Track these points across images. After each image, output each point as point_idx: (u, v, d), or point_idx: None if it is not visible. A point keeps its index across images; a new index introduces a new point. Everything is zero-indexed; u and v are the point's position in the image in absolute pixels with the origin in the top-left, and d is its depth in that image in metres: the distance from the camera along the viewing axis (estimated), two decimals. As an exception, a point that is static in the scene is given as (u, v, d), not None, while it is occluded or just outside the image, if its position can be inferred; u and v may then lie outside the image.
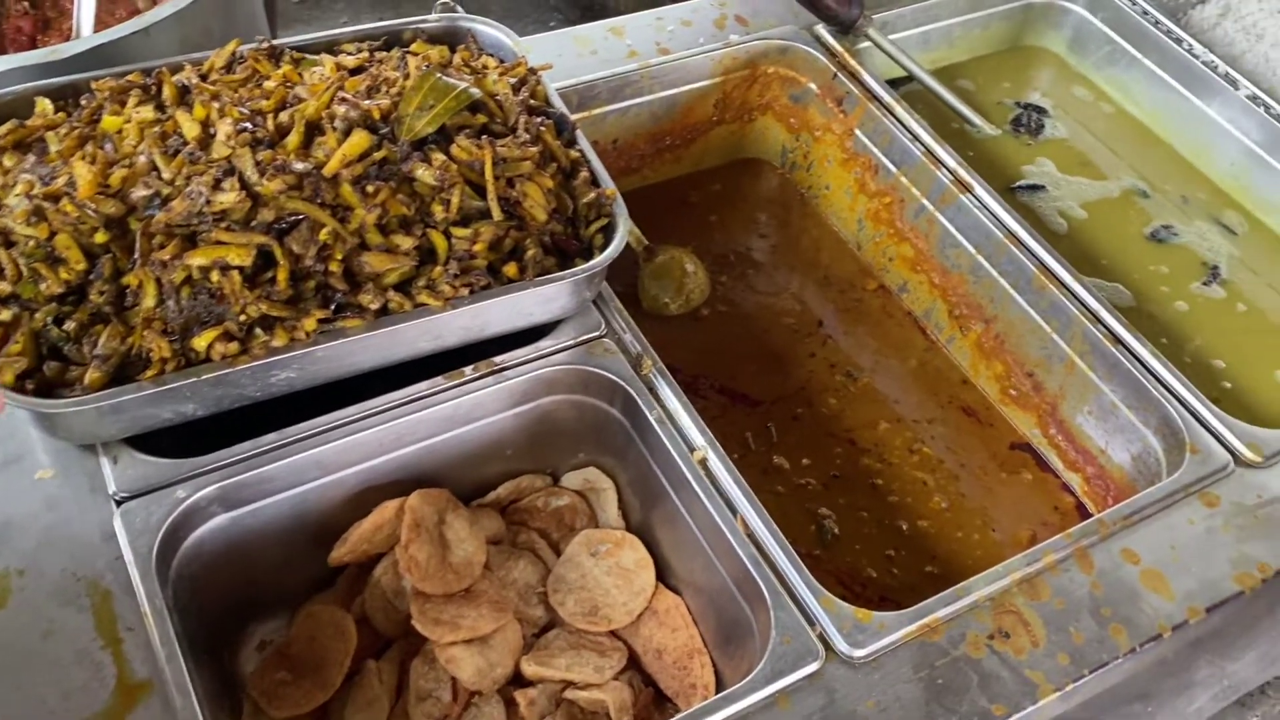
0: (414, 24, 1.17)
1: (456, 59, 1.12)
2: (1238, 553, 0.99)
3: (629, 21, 1.42)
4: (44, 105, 1.02)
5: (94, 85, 1.02)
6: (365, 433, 0.97)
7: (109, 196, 0.91)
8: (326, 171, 0.93)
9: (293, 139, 0.95)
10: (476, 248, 0.97)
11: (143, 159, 0.93)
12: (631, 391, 1.04)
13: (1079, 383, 1.19)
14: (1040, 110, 1.56)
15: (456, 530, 1.01)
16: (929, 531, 1.17)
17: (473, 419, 1.04)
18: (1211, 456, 1.06)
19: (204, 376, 0.89)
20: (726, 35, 1.43)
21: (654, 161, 1.47)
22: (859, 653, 0.89)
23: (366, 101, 0.99)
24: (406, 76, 1.03)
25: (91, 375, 0.87)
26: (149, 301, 0.89)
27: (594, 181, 1.07)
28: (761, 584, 0.92)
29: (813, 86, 1.45)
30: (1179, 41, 1.51)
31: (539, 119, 1.07)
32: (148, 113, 0.98)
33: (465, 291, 0.97)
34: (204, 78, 1.04)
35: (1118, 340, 1.15)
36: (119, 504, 0.90)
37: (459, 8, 1.20)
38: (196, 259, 0.88)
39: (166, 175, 0.92)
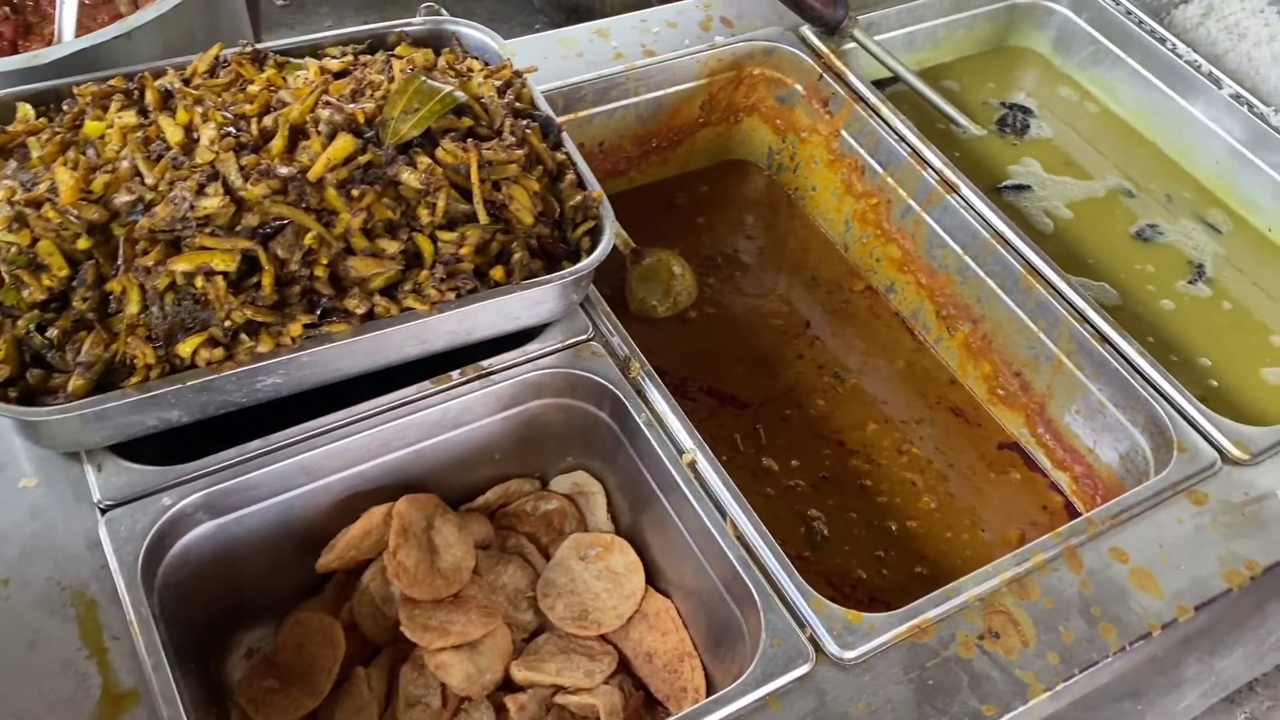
0: (398, 27, 1.16)
1: (441, 62, 1.12)
2: (1226, 550, 1.00)
3: (614, 24, 1.42)
4: (25, 111, 1.01)
5: (76, 90, 1.02)
6: (352, 438, 0.97)
7: (91, 202, 0.90)
8: (311, 176, 0.92)
9: (277, 143, 0.95)
10: (463, 251, 0.97)
11: (125, 164, 0.93)
12: (620, 394, 1.03)
13: (1066, 382, 1.19)
14: (1025, 110, 1.56)
15: (445, 535, 1.00)
16: (918, 532, 1.18)
17: (460, 423, 1.03)
18: (1199, 455, 1.06)
19: (189, 383, 0.88)
20: (712, 37, 1.43)
21: (640, 163, 1.47)
22: (849, 654, 0.88)
23: (351, 105, 0.98)
24: (391, 80, 1.03)
25: (75, 383, 0.87)
26: (133, 308, 0.88)
27: (580, 184, 1.07)
28: (751, 586, 0.92)
29: (798, 88, 1.45)
30: (1162, 41, 1.52)
31: (524, 122, 1.07)
32: (130, 118, 0.98)
33: (452, 295, 0.96)
34: (187, 82, 1.03)
35: (1105, 339, 1.16)
36: (104, 512, 0.90)
37: (443, 11, 1.20)
38: (180, 265, 0.88)
39: (150, 181, 0.91)
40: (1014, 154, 1.50)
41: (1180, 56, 1.50)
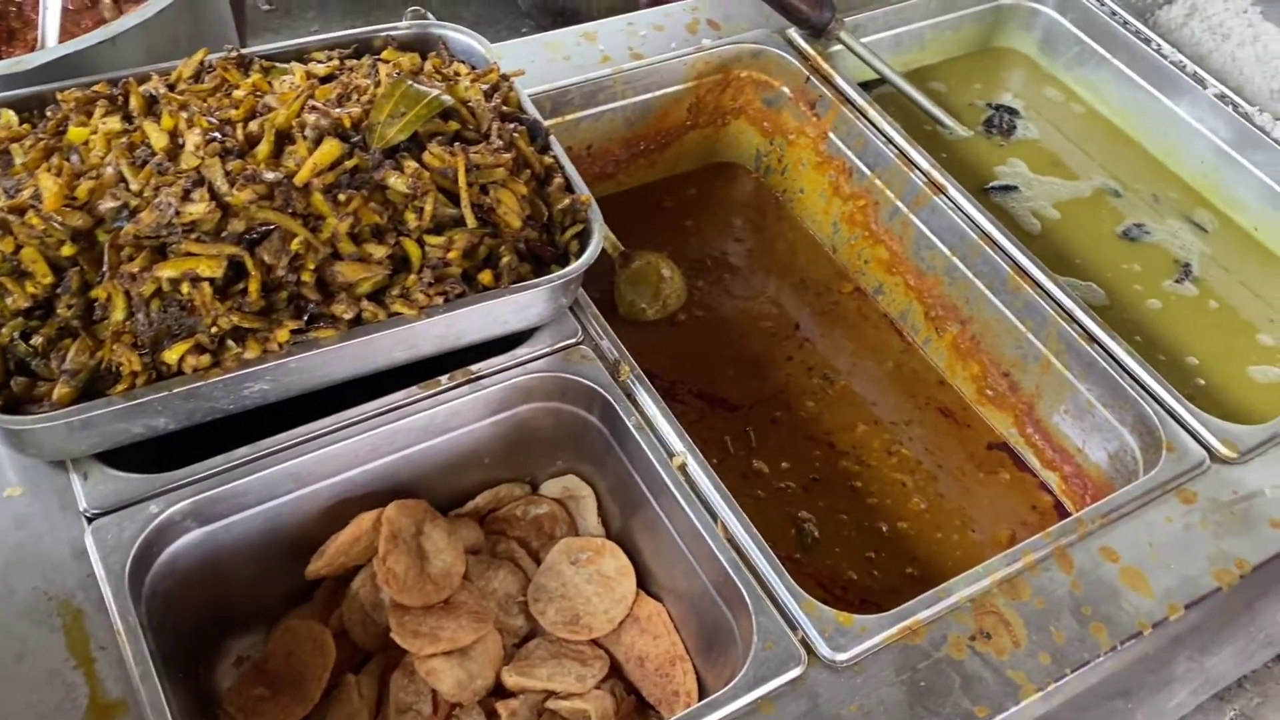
0: (385, 31, 1.16)
1: (428, 66, 1.11)
2: (1215, 549, 1.00)
3: (601, 27, 1.42)
4: (8, 117, 1.00)
5: (60, 96, 1.01)
6: (340, 444, 0.97)
7: (76, 209, 0.89)
8: (297, 180, 0.92)
9: (263, 148, 0.94)
10: (451, 255, 0.96)
11: (110, 170, 0.92)
12: (609, 398, 1.03)
13: (1055, 382, 1.20)
14: (1012, 111, 1.57)
15: (435, 541, 1.00)
16: (909, 533, 1.18)
17: (449, 428, 1.03)
18: (1188, 454, 1.07)
19: (175, 390, 0.88)
20: (699, 40, 1.43)
21: (628, 167, 1.47)
22: (841, 656, 0.88)
23: (337, 110, 0.98)
24: (377, 84, 1.03)
25: (60, 390, 0.86)
26: (118, 315, 0.88)
27: (568, 187, 1.06)
28: (743, 589, 0.92)
29: (786, 90, 1.45)
30: (1147, 41, 1.52)
31: (512, 125, 1.06)
32: (115, 123, 0.97)
33: (440, 300, 0.96)
34: (172, 87, 1.03)
35: (1092, 339, 1.16)
36: (90, 521, 0.89)
37: (430, 15, 1.20)
38: (166, 271, 0.87)
39: (134, 186, 0.91)
40: (1000, 155, 1.51)
41: (1165, 57, 1.50)
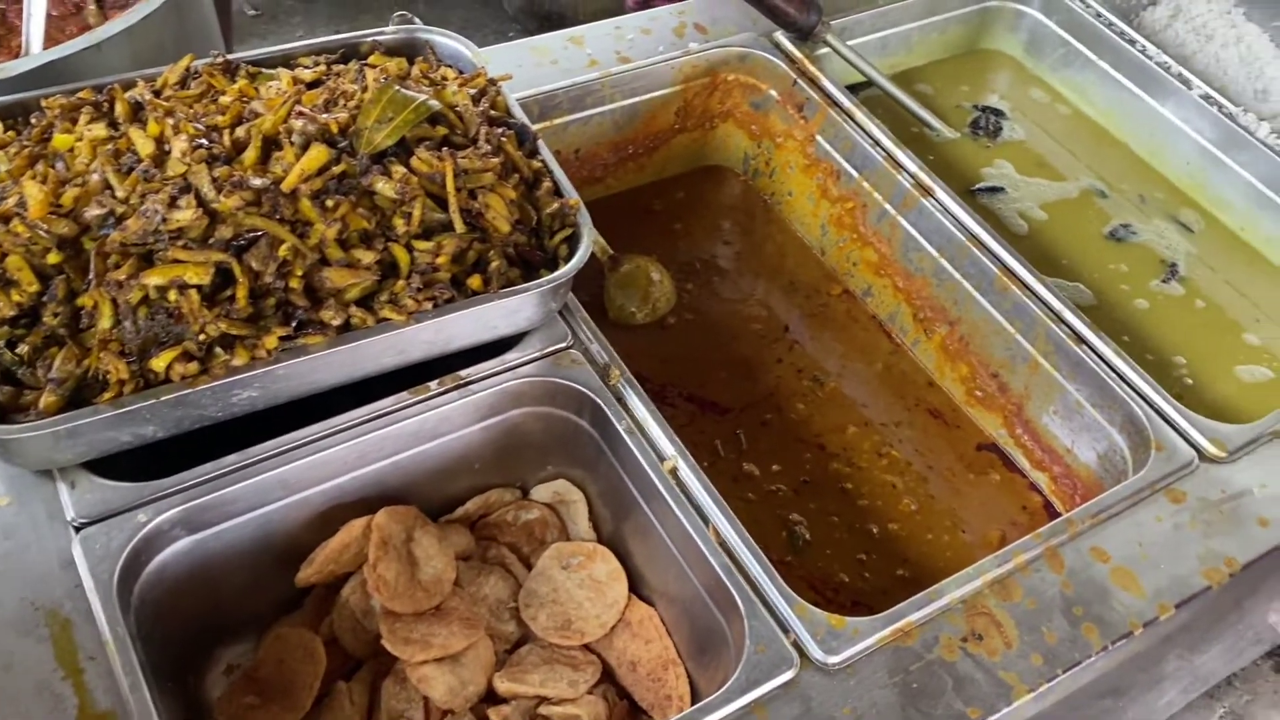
0: (372, 36, 1.16)
1: (415, 71, 1.11)
2: (1205, 548, 1.00)
3: (588, 31, 1.42)
4: (-8, 124, 1.00)
5: (44, 103, 1.00)
6: (330, 450, 0.96)
7: (61, 216, 0.89)
8: (285, 186, 0.92)
9: (250, 154, 0.94)
10: (439, 261, 0.96)
11: (95, 177, 0.92)
12: (600, 402, 1.03)
13: (1044, 383, 1.20)
14: (998, 113, 1.57)
15: (425, 547, 0.99)
16: (899, 534, 1.18)
17: (439, 434, 1.02)
18: (1176, 453, 1.07)
19: (163, 398, 0.87)
20: (686, 43, 1.43)
21: (617, 170, 1.47)
22: (834, 659, 0.88)
23: (324, 115, 0.97)
24: (364, 89, 1.02)
25: (47, 399, 0.86)
26: (105, 322, 0.87)
27: (557, 191, 1.06)
28: (734, 592, 0.91)
29: (773, 93, 1.45)
30: (1132, 43, 1.53)
31: (500, 130, 1.06)
32: (100, 130, 0.97)
33: (429, 305, 0.96)
34: (157, 94, 1.02)
35: (1081, 339, 1.16)
36: (78, 530, 0.88)
37: (417, 20, 1.19)
38: (153, 278, 0.87)
39: (120, 194, 0.90)
40: (987, 156, 1.51)
41: (1150, 58, 1.51)
